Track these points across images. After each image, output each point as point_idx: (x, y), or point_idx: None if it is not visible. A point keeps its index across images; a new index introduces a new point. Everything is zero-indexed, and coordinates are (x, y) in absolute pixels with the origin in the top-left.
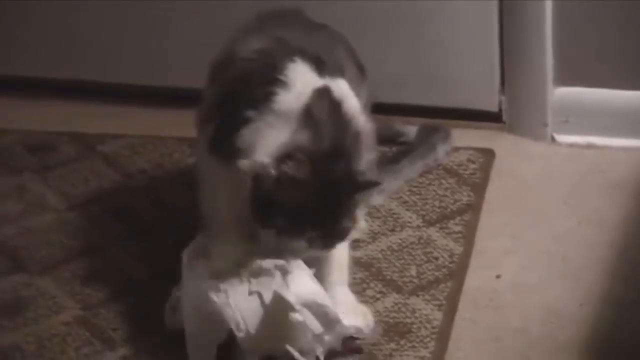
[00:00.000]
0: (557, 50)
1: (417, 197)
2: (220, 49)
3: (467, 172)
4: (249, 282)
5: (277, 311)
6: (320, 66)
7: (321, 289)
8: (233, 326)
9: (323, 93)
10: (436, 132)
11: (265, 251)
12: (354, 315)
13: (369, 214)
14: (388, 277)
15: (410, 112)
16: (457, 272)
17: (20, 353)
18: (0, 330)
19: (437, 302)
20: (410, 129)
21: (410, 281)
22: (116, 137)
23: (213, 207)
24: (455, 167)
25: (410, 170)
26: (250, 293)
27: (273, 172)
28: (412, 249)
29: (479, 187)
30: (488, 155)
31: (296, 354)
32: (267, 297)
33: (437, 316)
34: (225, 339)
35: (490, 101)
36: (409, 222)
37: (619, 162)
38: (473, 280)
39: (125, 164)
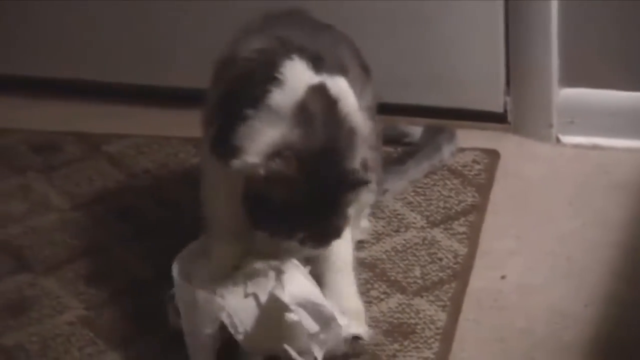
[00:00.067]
0: (562, 51)
1: (422, 197)
2: (223, 49)
3: (472, 173)
4: (245, 284)
5: (273, 312)
6: (318, 64)
7: (316, 288)
8: (231, 329)
9: (318, 90)
10: (441, 132)
11: (262, 251)
12: (357, 322)
13: (373, 215)
14: (392, 278)
15: (415, 113)
16: (462, 273)
17: (24, 353)
18: (4, 329)
19: (441, 303)
20: (415, 130)
21: (415, 282)
22: (121, 137)
23: (214, 208)
24: (460, 167)
25: (416, 171)
26: (246, 295)
27: (262, 171)
28: (417, 249)
29: (484, 188)
30: (493, 156)
31: (294, 354)
32: (263, 298)
33: (441, 317)
34: (225, 340)
35: (495, 102)
36: (414, 223)
37: (624, 163)
38: (477, 281)
39: (130, 164)
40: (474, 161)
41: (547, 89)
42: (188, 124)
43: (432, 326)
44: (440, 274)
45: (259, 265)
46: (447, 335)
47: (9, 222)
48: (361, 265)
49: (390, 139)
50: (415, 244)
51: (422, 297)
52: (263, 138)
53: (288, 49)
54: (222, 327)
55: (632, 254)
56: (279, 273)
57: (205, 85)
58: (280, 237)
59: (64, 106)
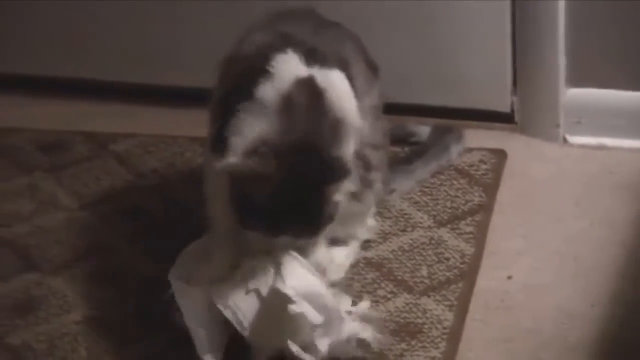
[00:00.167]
0: (569, 51)
1: (429, 197)
2: (229, 48)
3: (479, 173)
4: (245, 282)
5: (276, 305)
6: (312, 57)
7: (317, 279)
8: (237, 326)
9: (305, 82)
10: (449, 132)
11: (256, 249)
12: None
13: (380, 214)
14: (399, 278)
15: (422, 113)
16: (469, 273)
17: (31, 352)
18: (11, 328)
19: (448, 303)
20: (423, 129)
21: (422, 281)
22: (128, 136)
23: (214, 207)
24: (467, 167)
25: (423, 170)
26: (248, 291)
27: (240, 170)
28: (423, 249)
29: (491, 188)
30: (500, 156)
31: (296, 349)
32: (265, 293)
33: (448, 317)
34: (233, 336)
35: (502, 102)
36: (420, 223)
37: (632, 163)
38: (484, 281)
39: (137, 163)
40: (481, 161)
41: (554, 89)
42: (195, 123)
43: (439, 326)
44: (447, 274)
45: (257, 262)
46: (454, 335)
47: (16, 222)
48: (368, 264)
49: (398, 138)
50: (422, 243)
51: (429, 296)
52: (248, 133)
53: (285, 43)
54: (227, 323)
55: (639, 254)
56: (278, 267)
57: (211, 84)
58: (269, 234)
59: (71, 106)
